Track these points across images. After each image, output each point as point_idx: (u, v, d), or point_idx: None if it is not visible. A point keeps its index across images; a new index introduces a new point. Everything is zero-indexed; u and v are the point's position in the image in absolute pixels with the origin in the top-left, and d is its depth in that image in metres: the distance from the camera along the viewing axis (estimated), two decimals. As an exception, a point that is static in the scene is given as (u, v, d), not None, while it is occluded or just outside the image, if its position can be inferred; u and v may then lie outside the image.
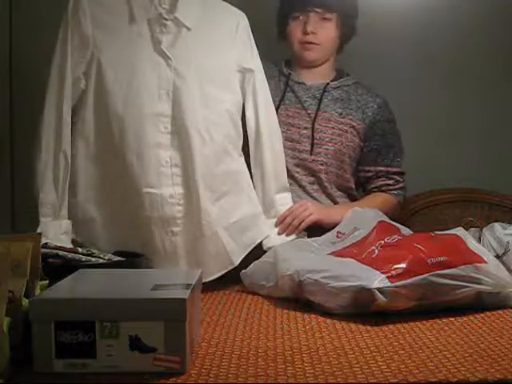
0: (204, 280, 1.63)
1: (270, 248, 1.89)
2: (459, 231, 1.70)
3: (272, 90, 2.06)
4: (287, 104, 2.18)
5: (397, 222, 1.87)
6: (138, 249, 1.76)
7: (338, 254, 1.71)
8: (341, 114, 2.16)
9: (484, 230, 1.80)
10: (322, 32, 2.13)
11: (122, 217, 1.82)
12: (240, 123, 1.93)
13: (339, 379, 1.11)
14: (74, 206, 1.83)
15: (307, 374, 1.13)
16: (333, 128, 2.14)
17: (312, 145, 2.12)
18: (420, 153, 2.62)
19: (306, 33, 2.12)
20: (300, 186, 2.13)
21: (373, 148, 2.19)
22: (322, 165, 2.13)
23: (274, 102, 2.05)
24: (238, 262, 1.87)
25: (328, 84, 2.19)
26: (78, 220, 1.83)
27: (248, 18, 1.96)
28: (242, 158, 1.95)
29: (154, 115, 1.78)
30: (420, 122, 2.64)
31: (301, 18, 2.13)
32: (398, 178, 2.22)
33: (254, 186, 1.97)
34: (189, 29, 1.82)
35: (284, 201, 2.01)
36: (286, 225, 1.97)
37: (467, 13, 2.60)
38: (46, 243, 1.62)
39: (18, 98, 2.68)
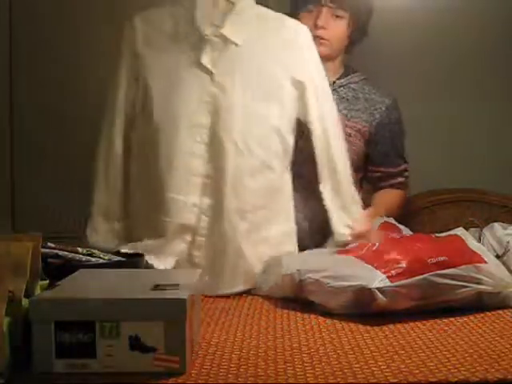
0: (221, 292, 1.72)
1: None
2: (459, 231, 1.70)
3: None
4: None
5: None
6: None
7: (340, 251, 1.71)
8: (346, 115, 2.15)
9: (484, 230, 1.80)
10: (333, 28, 2.13)
11: (144, 220, 1.85)
12: (290, 138, 1.87)
13: (339, 379, 1.11)
14: None
15: (307, 374, 1.13)
16: None
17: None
18: (420, 153, 2.62)
19: (316, 27, 2.10)
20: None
21: (381, 150, 2.22)
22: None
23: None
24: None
25: (334, 82, 2.18)
26: None
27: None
28: (287, 175, 1.89)
29: (191, 125, 1.80)
30: (420, 122, 2.63)
31: (314, 11, 2.12)
32: (406, 174, 2.28)
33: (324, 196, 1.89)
34: (237, 45, 1.81)
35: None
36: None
37: (471, 13, 2.60)
38: (45, 243, 1.62)
39: (18, 97, 2.68)
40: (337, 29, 2.13)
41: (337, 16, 2.12)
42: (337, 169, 1.88)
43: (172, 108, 1.81)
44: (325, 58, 2.17)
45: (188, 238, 1.80)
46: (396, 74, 2.56)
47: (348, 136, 2.12)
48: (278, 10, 1.94)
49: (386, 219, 1.86)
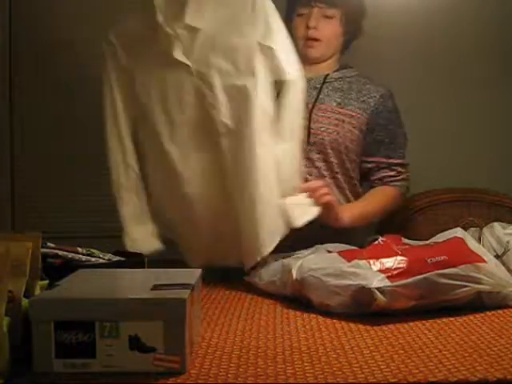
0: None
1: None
2: (459, 231, 1.70)
3: None
4: None
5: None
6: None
7: (342, 251, 1.71)
8: (339, 103, 2.15)
9: (484, 229, 1.80)
10: (325, 28, 2.14)
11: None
12: (271, 104, 1.88)
13: (339, 379, 1.11)
14: None
15: (307, 374, 1.13)
16: (329, 118, 2.13)
17: (308, 135, 2.11)
18: (420, 153, 2.62)
19: (308, 27, 2.13)
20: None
21: (375, 139, 2.18)
22: (318, 153, 2.13)
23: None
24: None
25: (328, 75, 2.19)
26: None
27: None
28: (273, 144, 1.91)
29: (183, 122, 1.88)
30: (420, 122, 2.64)
31: (305, 14, 2.14)
32: (400, 170, 2.20)
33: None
34: (199, 29, 1.84)
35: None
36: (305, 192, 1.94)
37: (472, 12, 2.60)
38: (45, 243, 1.62)
39: (18, 97, 2.68)
40: (328, 29, 2.14)
41: (327, 16, 2.13)
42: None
43: (165, 107, 1.88)
44: (320, 59, 2.19)
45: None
46: (396, 73, 2.56)
47: (341, 122, 2.13)
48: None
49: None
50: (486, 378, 1.11)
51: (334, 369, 1.16)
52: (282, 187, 1.88)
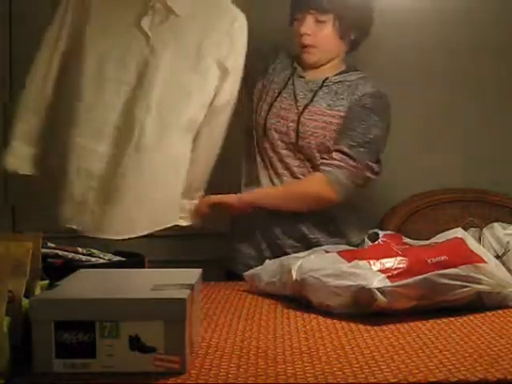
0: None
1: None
2: (459, 231, 1.70)
3: (279, 81, 2.17)
4: (284, 97, 2.18)
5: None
6: None
7: (341, 252, 1.72)
8: (329, 105, 2.13)
9: (484, 229, 1.80)
10: (319, 34, 2.13)
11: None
12: (202, 113, 2.02)
13: (339, 379, 1.11)
14: None
15: (307, 374, 1.13)
16: (316, 121, 2.12)
17: (297, 138, 2.12)
18: (420, 153, 2.62)
19: (301, 34, 2.13)
20: (292, 174, 2.15)
21: (339, 130, 2.12)
22: (305, 156, 2.13)
23: (274, 93, 2.17)
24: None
25: (327, 78, 2.18)
26: None
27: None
28: (188, 147, 2.03)
29: (117, 80, 1.94)
30: (421, 122, 2.64)
31: (300, 19, 2.14)
32: (335, 156, 2.07)
33: None
34: (177, 15, 1.93)
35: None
36: None
37: (472, 12, 2.60)
38: (45, 243, 1.62)
39: (18, 97, 2.68)
40: (322, 34, 2.13)
41: (320, 21, 2.12)
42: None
43: (103, 59, 1.94)
44: (317, 64, 2.18)
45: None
46: (398, 73, 2.56)
47: (328, 124, 2.11)
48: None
49: (388, 232, 1.85)
50: (485, 378, 1.11)
51: (335, 369, 1.16)
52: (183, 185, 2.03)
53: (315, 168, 2.11)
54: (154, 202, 1.98)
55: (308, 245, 2.06)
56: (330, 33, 2.13)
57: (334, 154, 2.07)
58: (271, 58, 2.25)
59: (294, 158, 2.14)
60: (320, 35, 2.13)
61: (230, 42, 2.01)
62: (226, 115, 2.08)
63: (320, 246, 2.03)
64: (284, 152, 2.14)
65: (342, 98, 2.13)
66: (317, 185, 2.09)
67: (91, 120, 1.94)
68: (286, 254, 2.04)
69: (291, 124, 2.13)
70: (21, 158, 2.00)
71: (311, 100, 2.14)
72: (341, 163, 2.06)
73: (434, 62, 2.65)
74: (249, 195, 2.13)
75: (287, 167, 2.14)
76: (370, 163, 2.08)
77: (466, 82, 2.67)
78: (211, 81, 2.00)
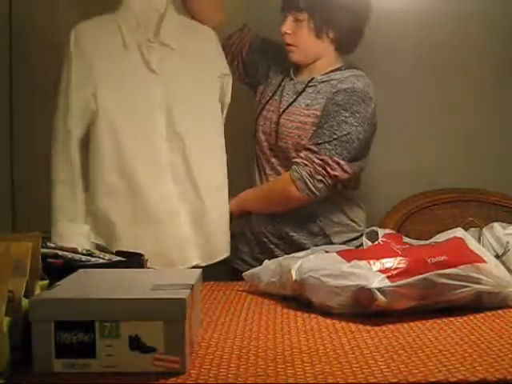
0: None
1: None
2: (459, 231, 1.70)
3: (275, 84, 2.22)
4: (275, 99, 2.20)
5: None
6: None
7: (341, 252, 1.71)
8: (307, 105, 2.13)
9: (484, 229, 1.80)
10: (297, 33, 2.14)
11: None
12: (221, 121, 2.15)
13: (339, 379, 1.11)
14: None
15: (307, 374, 1.13)
16: (292, 121, 2.12)
17: (276, 139, 2.14)
18: (420, 153, 2.62)
19: (282, 33, 2.15)
20: (277, 175, 2.17)
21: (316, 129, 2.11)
22: (282, 156, 2.15)
23: (267, 96, 2.22)
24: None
25: (313, 78, 2.17)
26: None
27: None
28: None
29: (150, 125, 2.01)
30: (420, 122, 2.64)
31: (283, 19, 2.16)
32: (302, 155, 2.06)
33: None
34: (173, 49, 2.03)
35: None
36: None
37: (471, 12, 2.60)
38: (45, 243, 1.62)
39: (18, 97, 2.68)
40: (301, 33, 2.14)
41: (298, 20, 2.13)
42: None
43: (130, 112, 2.00)
44: (302, 63, 2.19)
45: None
46: (396, 73, 2.56)
47: (304, 124, 2.11)
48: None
49: (388, 230, 1.85)
50: (485, 378, 1.12)
51: (334, 369, 1.16)
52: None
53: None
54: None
55: (291, 244, 2.11)
56: (307, 31, 2.14)
57: (301, 152, 2.07)
58: (272, 60, 2.27)
59: (277, 158, 2.17)
60: (298, 34, 2.15)
61: (217, 53, 2.16)
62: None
63: (302, 245, 2.08)
64: (269, 153, 2.19)
65: (322, 98, 2.13)
66: (282, 183, 2.11)
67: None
68: (273, 251, 2.13)
69: (273, 125, 2.17)
70: (66, 234, 2.00)
71: (294, 101, 2.15)
72: (305, 161, 2.04)
73: (434, 62, 2.65)
74: (234, 200, 2.16)
75: (272, 167, 2.18)
76: (339, 160, 2.03)
77: (466, 82, 2.67)
78: (216, 93, 2.13)
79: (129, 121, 1.99)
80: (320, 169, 2.03)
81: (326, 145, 2.03)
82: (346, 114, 2.06)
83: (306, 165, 2.04)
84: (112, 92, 1.98)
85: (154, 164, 2.01)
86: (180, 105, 2.02)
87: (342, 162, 2.04)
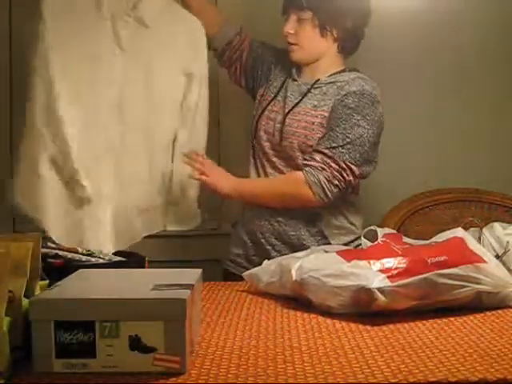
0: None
1: None
2: (459, 231, 1.70)
3: (277, 85, 2.22)
4: (278, 100, 2.21)
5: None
6: None
7: (340, 252, 1.71)
8: (315, 106, 2.13)
9: (484, 229, 1.80)
10: (300, 32, 2.14)
11: None
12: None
13: (339, 379, 1.11)
14: None
15: (307, 374, 1.13)
16: (299, 121, 2.13)
17: (280, 138, 2.14)
18: (420, 153, 2.62)
19: (285, 33, 2.15)
20: (279, 174, 2.17)
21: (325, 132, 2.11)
22: (287, 159, 2.15)
23: (269, 97, 2.21)
24: None
25: (318, 80, 2.18)
26: None
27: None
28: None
29: (104, 97, 2.06)
30: (421, 122, 2.64)
31: (286, 18, 2.16)
32: (316, 157, 2.05)
33: None
34: (147, 27, 2.06)
35: None
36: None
37: (471, 13, 2.60)
38: (45, 243, 1.62)
39: (18, 97, 2.68)
40: (304, 32, 2.14)
41: (301, 19, 2.13)
42: None
43: (85, 82, 2.02)
44: (303, 62, 2.19)
45: None
46: (398, 74, 2.56)
47: (311, 125, 2.11)
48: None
49: (388, 230, 1.85)
50: (485, 378, 1.11)
51: (334, 369, 1.16)
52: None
53: (298, 168, 2.11)
54: None
55: (289, 244, 2.12)
56: (310, 30, 2.14)
57: (316, 155, 2.06)
58: (272, 62, 2.28)
59: (279, 158, 2.17)
60: (301, 33, 2.15)
61: (194, 50, 2.16)
62: (201, 116, 2.20)
63: (301, 245, 2.08)
64: (271, 152, 2.18)
65: (329, 99, 2.13)
66: (296, 184, 2.08)
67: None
68: (269, 253, 2.11)
69: (277, 125, 2.16)
70: None
71: (299, 101, 2.16)
72: (322, 165, 2.04)
73: (433, 62, 2.65)
74: (234, 182, 2.15)
75: (274, 166, 2.18)
76: (351, 165, 2.05)
77: (466, 82, 2.67)
78: (178, 87, 2.16)
79: (79, 89, 2.01)
80: (337, 174, 2.04)
81: (340, 149, 2.04)
82: (358, 117, 2.07)
83: (323, 169, 2.04)
84: (74, 58, 2.00)
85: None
86: (133, 87, 2.07)
87: (353, 168, 2.06)
